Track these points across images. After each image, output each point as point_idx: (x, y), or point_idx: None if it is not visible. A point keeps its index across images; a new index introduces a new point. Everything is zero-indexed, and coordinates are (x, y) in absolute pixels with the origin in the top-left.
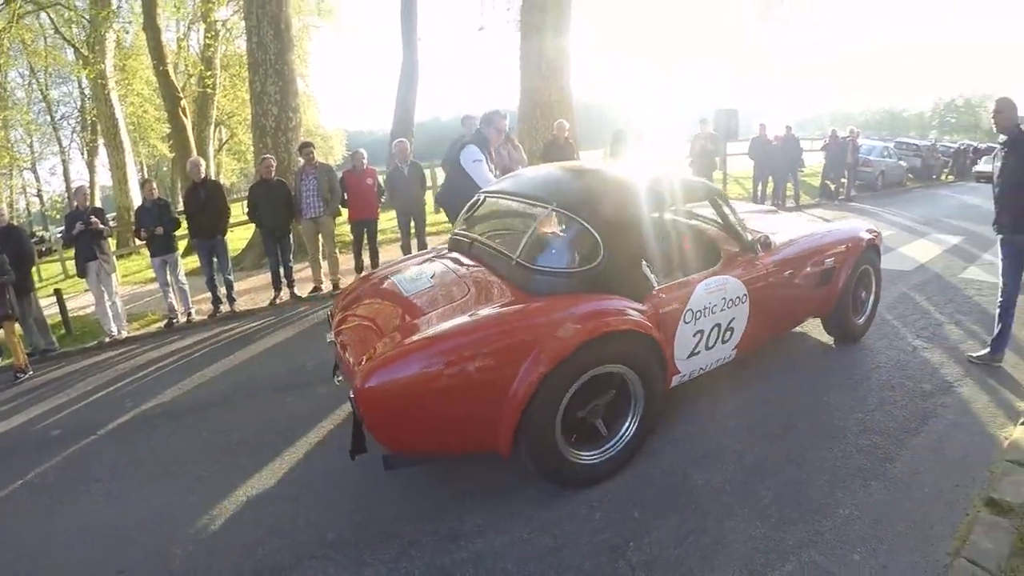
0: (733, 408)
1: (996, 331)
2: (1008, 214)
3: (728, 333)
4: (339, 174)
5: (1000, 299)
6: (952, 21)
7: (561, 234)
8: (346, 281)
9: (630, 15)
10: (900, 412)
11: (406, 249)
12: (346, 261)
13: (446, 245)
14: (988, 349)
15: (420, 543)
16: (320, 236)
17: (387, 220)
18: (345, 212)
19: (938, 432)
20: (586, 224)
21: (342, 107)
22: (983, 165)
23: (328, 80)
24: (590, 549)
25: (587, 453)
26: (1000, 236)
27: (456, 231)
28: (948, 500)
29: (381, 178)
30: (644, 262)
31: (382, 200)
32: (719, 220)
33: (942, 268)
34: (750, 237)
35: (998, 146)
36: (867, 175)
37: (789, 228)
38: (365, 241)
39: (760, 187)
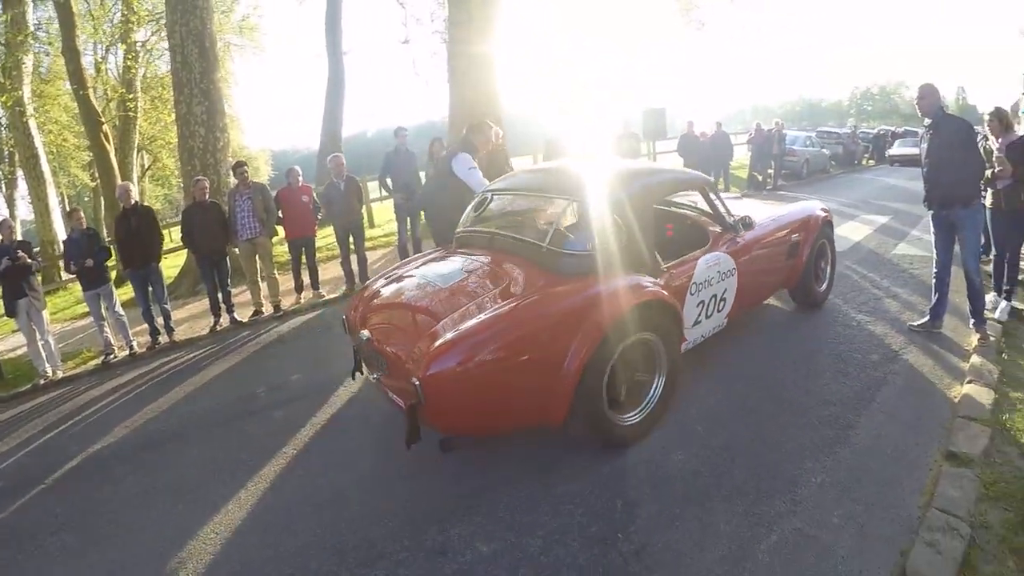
0: (692, 395)
1: (933, 300)
2: (937, 191)
3: (722, 303)
4: (272, 193)
5: (935, 270)
6: (863, 16)
7: (586, 221)
8: (287, 302)
9: (554, 21)
10: (854, 382)
11: (345, 267)
12: (285, 281)
13: (455, 242)
14: (927, 317)
15: (407, 562)
16: (257, 257)
17: (324, 237)
18: (281, 231)
19: (892, 397)
20: (612, 212)
21: (265, 127)
22: (897, 148)
23: (250, 100)
24: (580, 545)
25: (628, 415)
26: (931, 212)
27: (468, 228)
28: (911, 459)
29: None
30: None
31: (318, 217)
32: (708, 204)
33: (875, 246)
34: (733, 219)
35: (923, 130)
36: (792, 164)
37: (757, 210)
38: (303, 260)
39: None
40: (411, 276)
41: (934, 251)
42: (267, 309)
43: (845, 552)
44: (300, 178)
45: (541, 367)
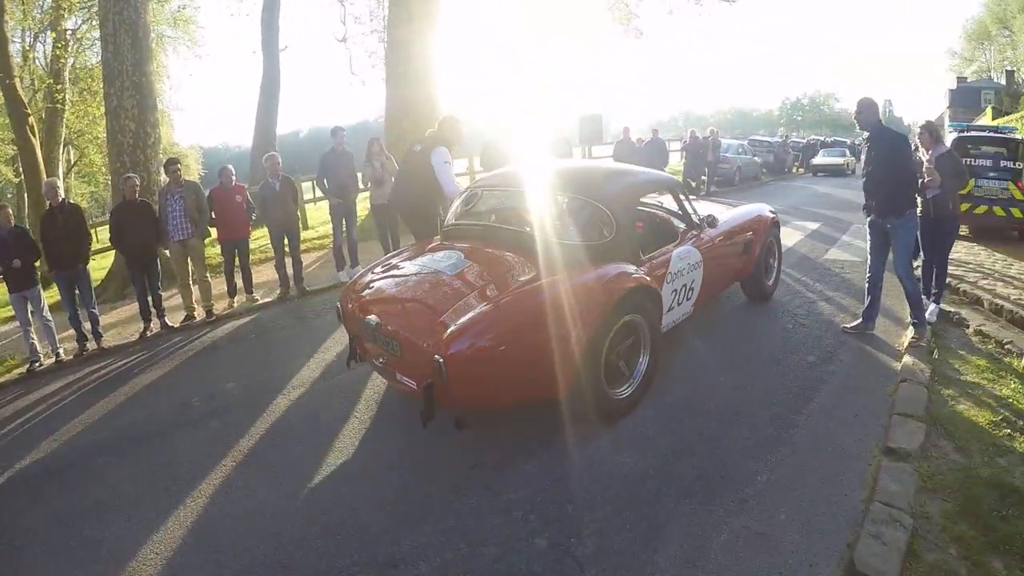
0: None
1: (866, 303)
2: (874, 199)
3: (691, 292)
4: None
5: (868, 274)
6: (795, 29)
7: (580, 215)
8: (220, 306)
9: (495, 27)
10: (792, 383)
11: (279, 270)
12: (217, 285)
13: (444, 235)
14: (860, 320)
15: None
16: (189, 260)
17: (257, 239)
18: (214, 232)
19: (829, 397)
20: (603, 207)
21: (196, 123)
22: (821, 158)
23: (182, 95)
24: (534, 552)
25: (620, 388)
26: (868, 219)
27: (458, 221)
28: (851, 455)
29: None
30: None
31: (252, 218)
32: (677, 204)
33: (807, 251)
34: (699, 218)
35: (862, 142)
36: (725, 171)
37: (714, 210)
38: (237, 262)
39: None
40: (410, 266)
41: (868, 256)
42: (199, 314)
43: (794, 547)
44: (233, 177)
45: (548, 346)
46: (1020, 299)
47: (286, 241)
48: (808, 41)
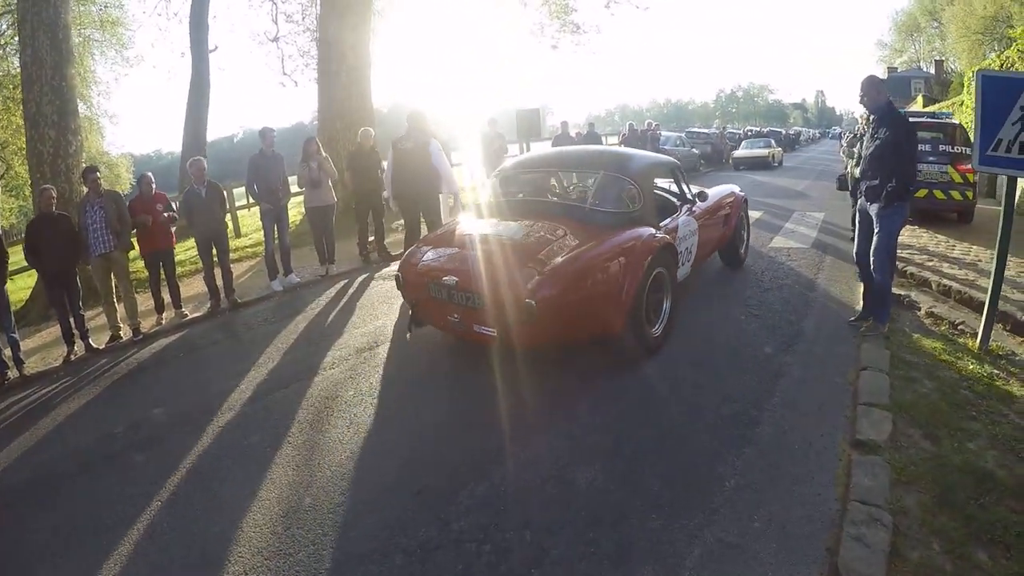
0: (589, 407)
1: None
2: (871, 184)
3: (690, 255)
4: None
5: (859, 263)
6: (726, 22)
7: (613, 189)
8: (147, 324)
9: (430, 25)
10: (751, 377)
11: (208, 281)
12: (144, 301)
13: (493, 209)
14: (863, 313)
15: None
16: (113, 275)
17: (186, 250)
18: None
19: (790, 389)
20: (631, 182)
21: (129, 130)
22: (743, 150)
23: (113, 101)
24: None
25: (653, 328)
26: (858, 203)
27: (503, 198)
28: (819, 450)
29: (176, 202)
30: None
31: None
32: (676, 182)
33: (752, 241)
34: (692, 194)
35: (855, 126)
36: None
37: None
38: (163, 275)
39: None
40: (471, 236)
41: (856, 243)
42: (125, 333)
43: (772, 558)
44: (153, 185)
45: (608, 291)
46: (966, 278)
47: (215, 251)
48: (742, 34)
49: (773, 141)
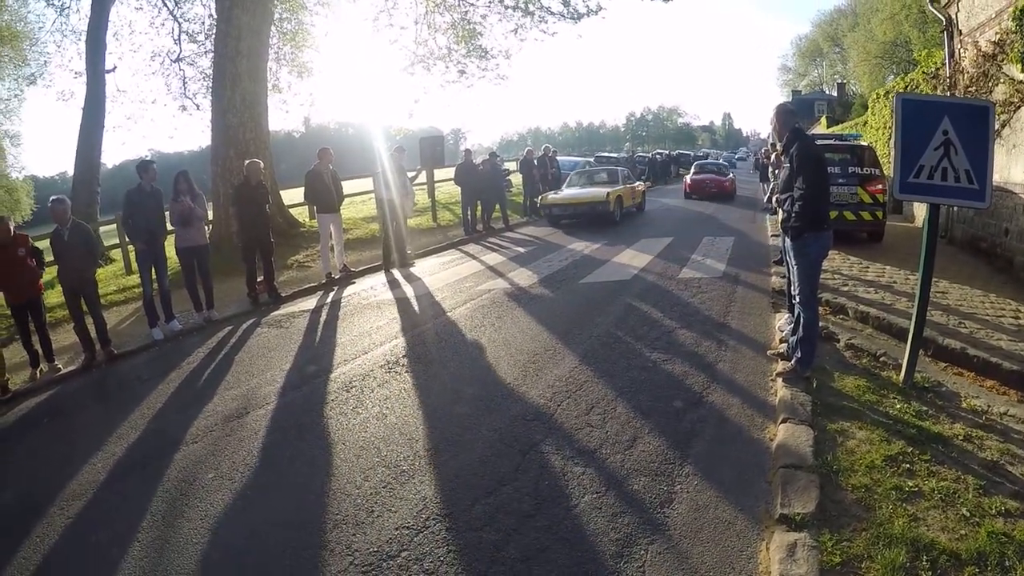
0: (469, 498)
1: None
2: (792, 215)
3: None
4: None
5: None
6: (636, 47)
7: (623, 170)
8: (17, 380)
9: (337, 50)
10: (659, 441)
11: (79, 332)
12: (13, 353)
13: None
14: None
15: None
16: None
17: (58, 295)
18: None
19: (704, 454)
20: (628, 169)
21: (33, 152)
22: (564, 192)
23: (15, 121)
24: None
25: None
26: (788, 238)
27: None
28: (740, 531)
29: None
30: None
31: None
32: (631, 170)
33: (659, 273)
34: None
35: (770, 153)
36: None
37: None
38: (32, 328)
39: (469, 212)
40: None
41: (790, 280)
42: None
43: None
44: (12, 226)
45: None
46: (883, 302)
47: (82, 299)
48: (653, 58)
49: (626, 171)
